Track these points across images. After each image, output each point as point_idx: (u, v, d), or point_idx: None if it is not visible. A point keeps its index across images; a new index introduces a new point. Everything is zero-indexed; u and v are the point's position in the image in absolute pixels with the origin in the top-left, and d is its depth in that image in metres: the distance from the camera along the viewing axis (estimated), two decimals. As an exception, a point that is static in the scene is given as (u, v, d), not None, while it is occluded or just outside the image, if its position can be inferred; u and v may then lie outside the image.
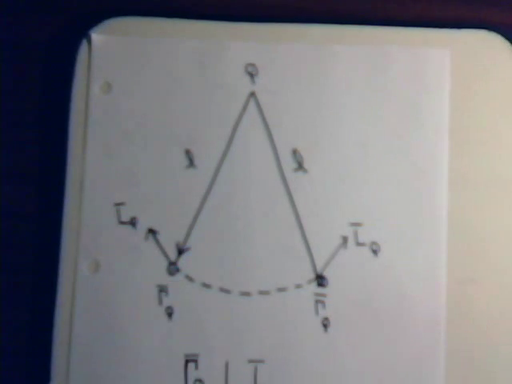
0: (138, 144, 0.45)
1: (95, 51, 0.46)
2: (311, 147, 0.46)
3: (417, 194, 0.46)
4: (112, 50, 0.46)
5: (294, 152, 0.46)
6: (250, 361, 0.44)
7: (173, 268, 0.45)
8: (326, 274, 0.45)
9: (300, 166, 0.46)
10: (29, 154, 0.46)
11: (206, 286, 0.45)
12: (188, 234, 0.45)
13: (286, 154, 0.46)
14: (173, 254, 0.45)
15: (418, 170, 0.46)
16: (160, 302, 0.44)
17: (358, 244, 0.45)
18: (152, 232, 0.45)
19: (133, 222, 0.45)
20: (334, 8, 0.48)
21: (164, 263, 0.45)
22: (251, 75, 0.46)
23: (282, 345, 0.44)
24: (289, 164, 0.46)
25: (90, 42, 0.46)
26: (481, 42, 0.47)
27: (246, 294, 0.45)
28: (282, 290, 0.45)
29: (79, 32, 0.46)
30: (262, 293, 0.45)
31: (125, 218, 0.45)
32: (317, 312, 0.45)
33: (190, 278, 0.45)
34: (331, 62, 0.46)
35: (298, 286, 0.45)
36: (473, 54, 0.47)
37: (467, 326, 0.45)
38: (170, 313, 0.44)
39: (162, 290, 0.44)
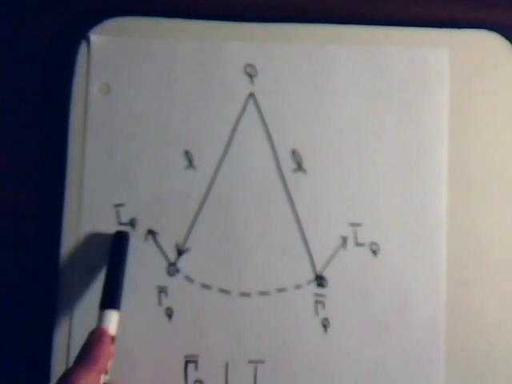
0: (138, 145, 0.45)
1: (94, 52, 0.46)
2: (310, 148, 0.46)
3: (416, 193, 0.46)
4: (111, 51, 0.46)
5: (294, 152, 0.46)
6: (250, 361, 0.44)
7: (172, 269, 0.45)
8: (325, 274, 0.45)
9: (299, 167, 0.46)
10: (29, 154, 0.46)
11: (206, 286, 0.45)
12: (187, 235, 0.45)
13: (285, 155, 0.46)
14: (172, 255, 0.45)
15: (417, 169, 0.46)
16: (160, 302, 0.44)
17: (358, 244, 0.45)
18: (151, 233, 0.45)
19: (132, 223, 0.45)
20: (334, 8, 0.47)
21: (164, 264, 0.45)
22: (250, 76, 0.46)
23: (282, 345, 0.44)
24: (288, 164, 0.46)
25: (88, 42, 0.46)
26: (481, 42, 0.47)
27: (246, 294, 0.45)
28: (281, 290, 0.45)
29: (78, 33, 0.46)
30: (261, 293, 0.45)
31: (124, 219, 0.45)
32: (316, 312, 0.45)
33: (189, 279, 0.45)
34: (331, 62, 0.46)
35: (298, 287, 0.45)
36: (472, 54, 0.47)
37: (467, 326, 0.45)
38: (169, 314, 0.44)
39: (162, 290, 0.44)
